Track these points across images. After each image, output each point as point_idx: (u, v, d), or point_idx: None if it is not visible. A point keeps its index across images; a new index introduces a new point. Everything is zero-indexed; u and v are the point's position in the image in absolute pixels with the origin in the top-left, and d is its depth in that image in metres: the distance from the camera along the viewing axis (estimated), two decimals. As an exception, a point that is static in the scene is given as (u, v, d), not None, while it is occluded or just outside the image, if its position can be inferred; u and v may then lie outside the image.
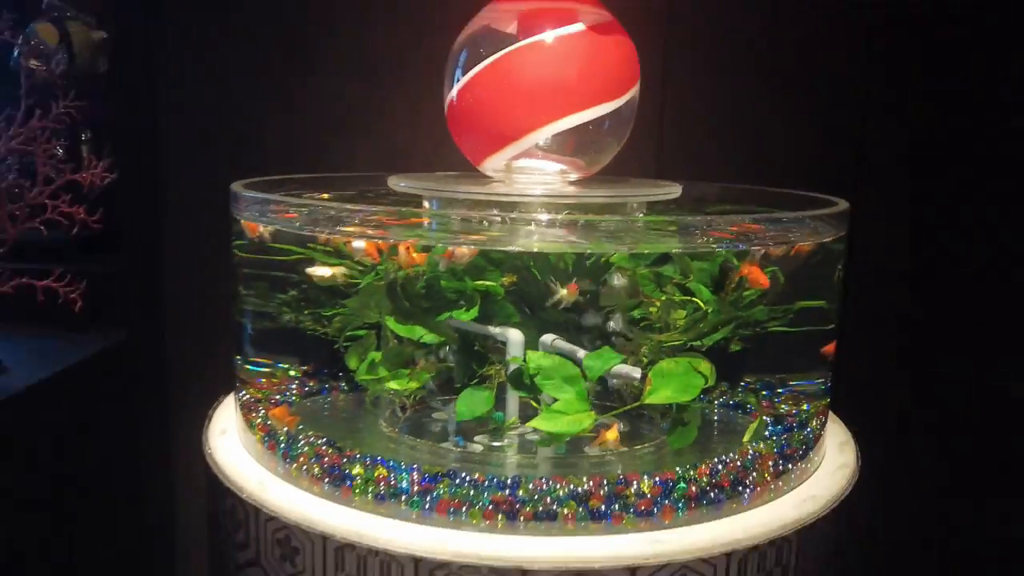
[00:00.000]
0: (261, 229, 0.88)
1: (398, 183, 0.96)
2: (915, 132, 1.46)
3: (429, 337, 0.87)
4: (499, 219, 0.82)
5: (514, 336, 0.87)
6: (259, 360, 1.01)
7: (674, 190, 0.96)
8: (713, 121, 1.49)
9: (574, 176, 0.98)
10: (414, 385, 0.89)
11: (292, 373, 1.03)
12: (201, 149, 1.48)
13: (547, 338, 0.90)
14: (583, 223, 0.87)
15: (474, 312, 0.86)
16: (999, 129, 1.37)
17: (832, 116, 1.46)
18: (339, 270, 0.88)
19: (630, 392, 0.88)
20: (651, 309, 0.87)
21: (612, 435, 0.86)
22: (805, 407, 0.94)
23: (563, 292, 0.87)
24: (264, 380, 1.01)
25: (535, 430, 0.85)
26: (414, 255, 0.83)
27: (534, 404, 0.87)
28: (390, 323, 0.88)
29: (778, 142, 1.47)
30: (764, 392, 0.97)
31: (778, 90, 1.46)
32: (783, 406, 0.96)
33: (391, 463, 0.81)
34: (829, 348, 0.93)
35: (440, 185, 0.95)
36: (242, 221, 0.90)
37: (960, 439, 1.44)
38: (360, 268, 0.89)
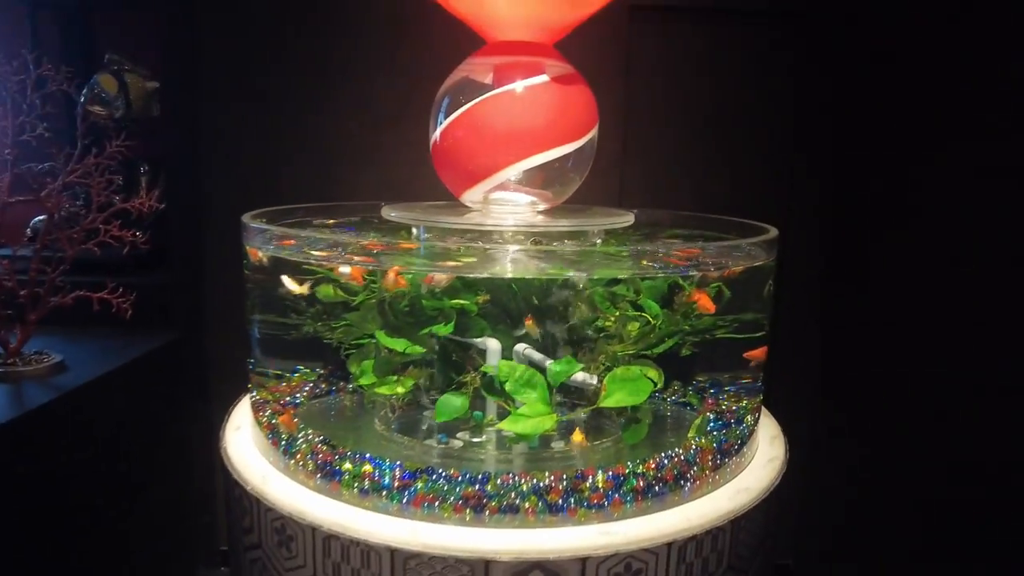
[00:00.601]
0: (260, 255, 0.82)
1: (390, 212, 0.90)
2: (831, 177, 1.40)
3: (413, 348, 0.81)
4: (476, 248, 0.75)
5: (492, 345, 0.81)
6: (268, 365, 0.95)
7: (628, 218, 0.89)
8: (668, 158, 1.43)
9: (543, 206, 0.91)
10: (401, 390, 0.83)
11: (297, 376, 0.97)
12: (235, 180, 1.43)
13: (519, 347, 0.83)
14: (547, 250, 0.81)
15: (450, 327, 0.79)
16: (895, 182, 1.30)
17: (767, 159, 1.40)
18: (304, 287, 0.81)
19: (590, 395, 0.81)
20: (606, 323, 0.81)
21: (578, 437, 0.80)
22: (743, 403, 0.87)
23: (526, 324, 0.81)
24: (271, 383, 0.95)
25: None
26: (401, 280, 0.76)
27: (506, 406, 0.81)
28: (379, 336, 0.81)
29: (721, 178, 1.42)
30: (711, 390, 0.91)
31: (723, 136, 1.40)
32: (724, 404, 0.90)
33: (377, 460, 0.75)
34: (760, 352, 0.87)
35: (426, 215, 0.89)
36: (246, 247, 0.84)
37: (874, 430, 1.37)
38: (351, 290, 0.83)
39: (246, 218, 0.85)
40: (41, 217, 1.38)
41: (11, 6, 1.56)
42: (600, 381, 0.77)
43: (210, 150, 1.42)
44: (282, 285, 0.85)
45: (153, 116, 1.53)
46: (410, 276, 0.76)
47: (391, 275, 0.74)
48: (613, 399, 0.76)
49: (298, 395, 0.96)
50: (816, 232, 1.44)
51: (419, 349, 0.81)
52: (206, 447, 1.44)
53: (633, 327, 0.79)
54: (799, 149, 1.43)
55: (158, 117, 1.52)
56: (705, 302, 0.76)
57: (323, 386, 0.98)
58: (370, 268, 0.76)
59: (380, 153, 1.39)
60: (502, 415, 0.82)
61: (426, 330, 0.81)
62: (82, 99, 1.47)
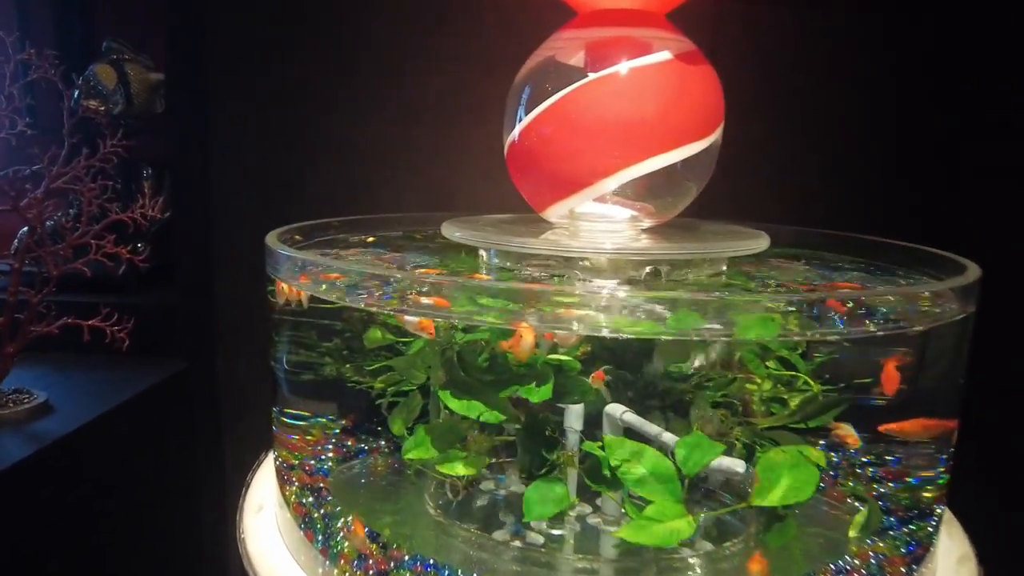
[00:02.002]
0: (297, 293, 0.62)
1: (453, 232, 0.70)
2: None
3: (490, 415, 0.60)
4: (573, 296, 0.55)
5: (614, 411, 0.60)
6: (294, 415, 0.75)
7: (761, 240, 0.69)
8: (755, 157, 1.21)
9: (646, 223, 0.71)
10: (470, 471, 0.63)
11: (327, 431, 0.77)
12: (249, 184, 1.23)
13: (615, 409, 0.63)
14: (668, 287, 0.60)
15: (547, 390, 0.59)
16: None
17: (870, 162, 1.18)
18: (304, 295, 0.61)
19: (736, 487, 0.61)
20: (750, 386, 0.60)
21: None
22: (919, 494, 0.66)
23: (594, 380, 0.60)
24: (298, 437, 0.75)
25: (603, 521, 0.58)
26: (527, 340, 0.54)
27: (611, 496, 0.61)
28: (444, 397, 0.61)
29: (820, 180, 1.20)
30: (871, 471, 0.70)
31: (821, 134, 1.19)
32: (886, 489, 0.69)
33: (445, 569, 0.55)
34: (948, 424, 0.66)
35: (498, 235, 0.68)
36: (276, 281, 0.64)
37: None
38: (404, 331, 0.63)
39: (271, 240, 0.65)
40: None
41: (-3, -15, 1.37)
42: (749, 467, 0.57)
43: (220, 151, 1.22)
44: (279, 293, 0.65)
45: (157, 112, 1.33)
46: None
47: (528, 338, 0.53)
48: (776, 494, 0.55)
49: (325, 452, 0.76)
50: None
51: (498, 416, 0.61)
52: (219, 516, 1.24)
53: (791, 396, 0.58)
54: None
55: (162, 113, 1.33)
56: (892, 377, 0.55)
57: (349, 443, 0.78)
58: (455, 323, 0.56)
59: (419, 154, 1.18)
60: (584, 493, 0.62)
61: (509, 391, 0.60)
62: (76, 92, 1.28)
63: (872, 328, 0.51)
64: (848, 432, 0.63)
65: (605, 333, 0.51)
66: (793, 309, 0.51)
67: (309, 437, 0.76)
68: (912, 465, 0.67)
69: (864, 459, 0.67)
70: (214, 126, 1.22)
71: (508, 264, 0.67)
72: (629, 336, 0.52)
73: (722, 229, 0.76)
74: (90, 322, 1.01)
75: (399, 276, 0.54)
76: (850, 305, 0.51)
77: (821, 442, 0.62)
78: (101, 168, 1.03)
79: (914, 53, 1.18)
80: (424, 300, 0.52)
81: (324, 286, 0.59)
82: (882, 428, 0.62)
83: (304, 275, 0.60)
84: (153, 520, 1.16)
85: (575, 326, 0.51)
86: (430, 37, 1.17)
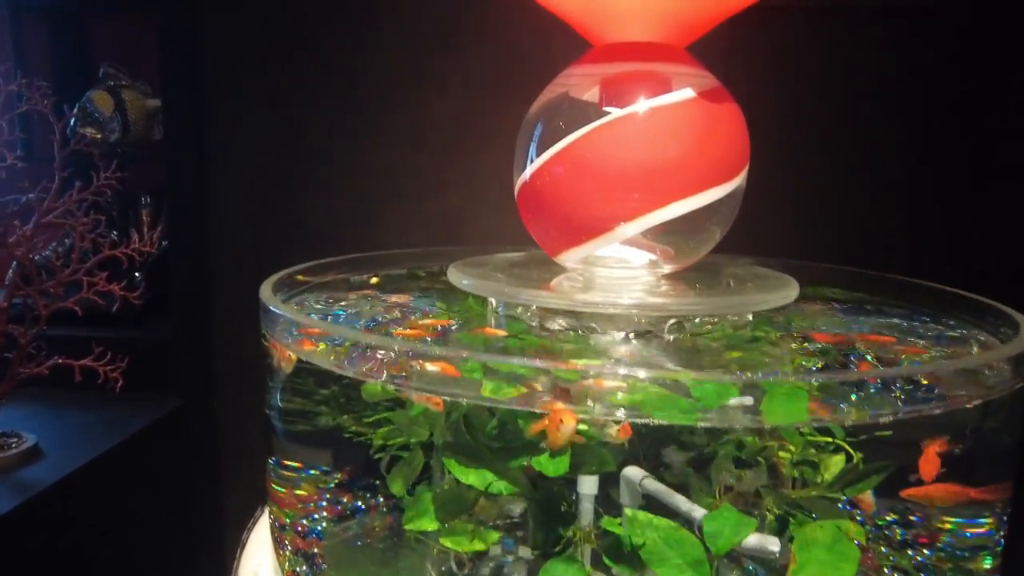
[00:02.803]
0: (291, 356, 0.57)
1: (460, 279, 0.65)
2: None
3: (500, 485, 0.56)
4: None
5: (633, 474, 0.56)
6: (288, 467, 0.70)
7: (791, 289, 0.64)
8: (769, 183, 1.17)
9: (666, 269, 0.66)
10: (478, 547, 0.58)
11: (322, 485, 0.72)
12: (250, 217, 1.19)
13: (633, 473, 0.58)
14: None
15: (564, 462, 0.54)
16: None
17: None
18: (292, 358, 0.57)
19: (772, 566, 0.56)
20: (782, 454, 0.55)
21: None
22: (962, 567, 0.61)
23: (612, 432, 0.55)
24: (289, 491, 0.70)
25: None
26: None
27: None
28: (451, 466, 0.57)
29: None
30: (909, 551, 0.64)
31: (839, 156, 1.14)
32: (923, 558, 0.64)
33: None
34: (989, 493, 0.61)
35: (509, 283, 0.64)
36: (271, 341, 0.59)
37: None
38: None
39: (266, 293, 0.61)
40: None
41: (-7, 10, 1.35)
42: (783, 544, 0.52)
43: (218, 179, 1.18)
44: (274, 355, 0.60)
45: (154, 140, 1.30)
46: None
47: (570, 424, 0.47)
48: (812, 574, 0.50)
49: (319, 510, 0.71)
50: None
51: (508, 488, 0.56)
52: (217, 562, 1.19)
53: (834, 463, 0.53)
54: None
55: (160, 141, 1.30)
56: (931, 462, 0.50)
57: (345, 499, 0.73)
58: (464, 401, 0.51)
59: (424, 182, 1.14)
60: (599, 564, 0.57)
61: (520, 461, 0.56)
62: (72, 120, 1.25)
63: (926, 408, 0.46)
64: (865, 496, 0.58)
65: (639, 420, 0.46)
66: (830, 382, 0.46)
67: (302, 492, 0.71)
68: (946, 534, 0.62)
69: (893, 525, 0.62)
70: (212, 154, 1.18)
71: (518, 313, 0.62)
72: (660, 422, 0.46)
73: (747, 272, 0.71)
74: (82, 362, 0.97)
75: (398, 348, 0.49)
76: (904, 385, 0.46)
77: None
78: (95, 201, 0.99)
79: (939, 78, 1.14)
80: (430, 367, 0.48)
81: (321, 345, 0.55)
82: (904, 493, 0.57)
83: (293, 342, 0.56)
84: (147, 569, 1.11)
85: (620, 414, 0.46)
86: (433, 61, 1.13)
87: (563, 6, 0.62)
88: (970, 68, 1.13)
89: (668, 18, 0.60)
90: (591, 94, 0.63)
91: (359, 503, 0.73)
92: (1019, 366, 0.51)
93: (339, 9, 1.14)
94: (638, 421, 0.47)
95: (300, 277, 0.73)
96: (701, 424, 0.47)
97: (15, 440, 0.98)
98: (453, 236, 1.11)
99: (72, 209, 0.97)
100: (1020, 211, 1.12)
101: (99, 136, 1.24)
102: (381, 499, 0.71)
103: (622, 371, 0.49)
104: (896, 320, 0.68)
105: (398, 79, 1.15)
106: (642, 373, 0.48)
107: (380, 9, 1.14)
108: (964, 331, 0.64)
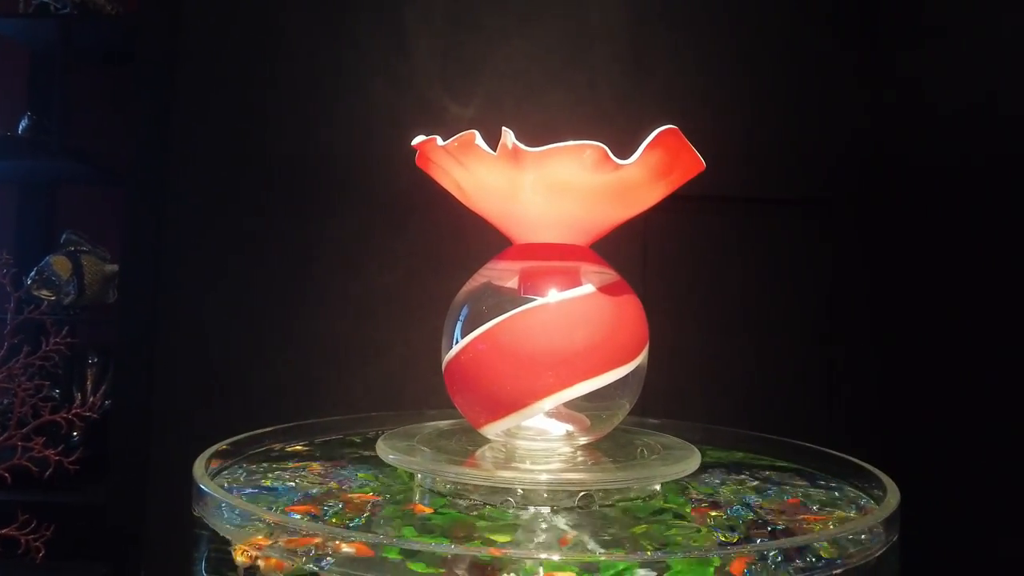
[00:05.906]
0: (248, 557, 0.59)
1: (387, 453, 0.69)
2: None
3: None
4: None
5: None
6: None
7: (693, 459, 0.70)
8: (690, 356, 1.26)
9: (583, 439, 0.72)
10: None
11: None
12: (194, 383, 1.21)
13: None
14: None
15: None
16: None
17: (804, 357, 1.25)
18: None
19: None
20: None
21: None
22: None
23: None
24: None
25: None
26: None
27: None
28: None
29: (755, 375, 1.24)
30: None
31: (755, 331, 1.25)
32: None
33: None
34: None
35: (433, 458, 0.68)
36: (200, 517, 0.61)
37: None
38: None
39: (199, 470, 0.64)
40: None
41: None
42: None
43: (167, 343, 1.22)
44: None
45: (108, 302, 1.34)
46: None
47: None
48: None
49: None
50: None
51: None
52: None
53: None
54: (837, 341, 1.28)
55: (113, 304, 1.34)
56: None
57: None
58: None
59: (369, 349, 1.20)
60: None
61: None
62: (28, 280, 1.29)
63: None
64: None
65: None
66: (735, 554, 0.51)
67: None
68: None
69: None
70: (164, 319, 1.22)
71: (441, 488, 0.66)
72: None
73: (656, 442, 0.77)
74: (3, 531, 0.94)
75: (318, 540, 0.52)
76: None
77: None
78: (41, 366, 1.01)
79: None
80: (345, 548, 0.50)
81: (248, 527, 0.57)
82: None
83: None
84: None
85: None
86: (385, 238, 1.23)
87: (488, 213, 0.71)
88: (870, 253, 1.28)
89: (574, 225, 0.69)
90: (511, 283, 0.71)
91: None
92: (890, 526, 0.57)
93: (290, 190, 1.25)
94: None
95: (224, 447, 0.75)
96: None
97: (-81, 618, 0.93)
98: (395, 401, 1.15)
99: (16, 374, 0.99)
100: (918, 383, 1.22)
101: (52, 298, 1.28)
102: None
103: (538, 554, 0.52)
104: (805, 485, 0.74)
105: (351, 248, 1.24)
106: (556, 556, 0.52)
107: (333, 186, 1.25)
108: (840, 493, 0.70)
